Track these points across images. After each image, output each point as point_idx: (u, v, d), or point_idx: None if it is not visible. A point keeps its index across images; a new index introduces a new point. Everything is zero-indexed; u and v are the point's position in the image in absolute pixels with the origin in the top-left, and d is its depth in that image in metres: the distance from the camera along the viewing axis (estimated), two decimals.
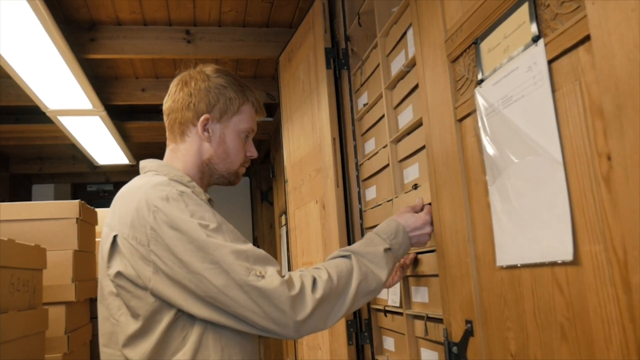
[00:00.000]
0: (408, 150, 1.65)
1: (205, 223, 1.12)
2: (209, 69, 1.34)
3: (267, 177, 5.28)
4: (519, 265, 0.99)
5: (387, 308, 1.86)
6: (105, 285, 1.18)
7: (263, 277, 1.09)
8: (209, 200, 1.30)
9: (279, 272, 1.13)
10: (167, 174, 1.26)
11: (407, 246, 1.37)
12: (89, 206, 1.97)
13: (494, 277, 1.09)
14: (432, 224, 1.39)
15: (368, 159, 2.00)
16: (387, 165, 1.80)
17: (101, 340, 1.21)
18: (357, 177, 2.09)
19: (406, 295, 1.70)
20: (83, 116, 3.36)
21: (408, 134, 1.66)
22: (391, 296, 1.84)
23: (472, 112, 1.16)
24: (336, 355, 2.10)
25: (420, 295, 1.61)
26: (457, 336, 1.24)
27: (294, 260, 2.61)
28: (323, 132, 2.19)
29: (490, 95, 1.06)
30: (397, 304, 1.76)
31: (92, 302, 2.08)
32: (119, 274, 1.14)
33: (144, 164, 1.32)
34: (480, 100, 1.10)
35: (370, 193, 2.00)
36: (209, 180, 1.35)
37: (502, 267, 1.06)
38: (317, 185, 2.26)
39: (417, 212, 1.42)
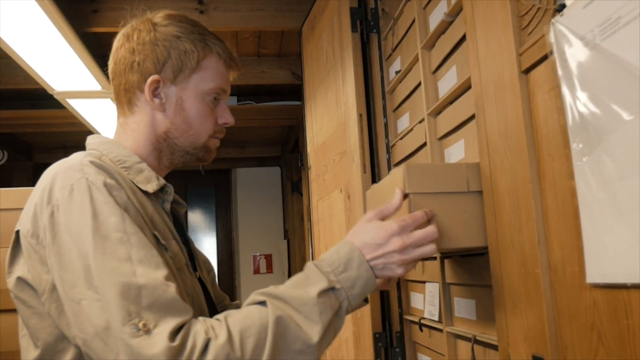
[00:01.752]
0: (450, 123, 1.30)
1: (106, 232, 0.81)
2: (158, 15, 1.03)
3: (298, 166, 4.96)
4: (628, 284, 0.63)
5: (422, 321, 1.51)
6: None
7: (147, 332, 0.74)
8: (162, 189, 1.00)
9: (178, 330, 0.76)
10: (109, 152, 0.97)
11: (367, 281, 0.88)
12: None
13: (581, 299, 0.73)
14: (406, 235, 0.90)
15: (401, 138, 1.64)
16: (425, 144, 1.44)
17: None
18: (388, 160, 1.73)
19: (447, 307, 1.35)
20: (92, 99, 3.10)
21: (450, 102, 1.30)
22: (428, 306, 1.49)
23: (546, 57, 0.79)
24: None
25: (466, 309, 1.25)
26: None
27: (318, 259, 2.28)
28: (348, 109, 1.84)
29: (579, 25, 0.70)
30: (436, 318, 1.41)
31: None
32: (19, 281, 0.85)
33: (89, 140, 1.03)
34: (561, 36, 0.74)
35: None
36: (171, 158, 1.05)
37: (595, 285, 0.70)
38: (342, 172, 1.92)
39: (384, 217, 0.95)
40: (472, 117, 1.16)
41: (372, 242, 0.88)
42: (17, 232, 0.88)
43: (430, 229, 0.90)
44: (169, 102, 1.01)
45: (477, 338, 1.16)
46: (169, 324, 0.75)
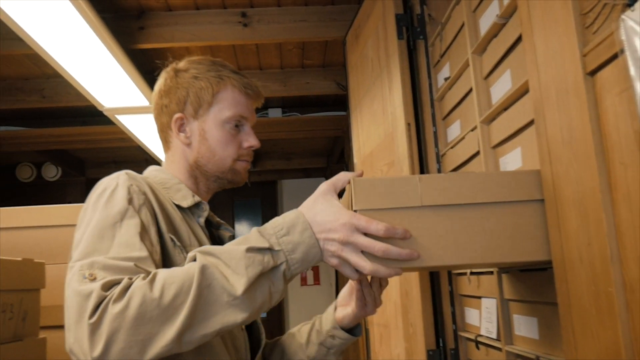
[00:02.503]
0: (505, 131, 1.23)
1: (107, 215, 0.92)
2: (182, 62, 1.17)
3: None
4: None
5: (479, 339, 1.43)
6: None
7: (92, 280, 0.81)
8: (197, 206, 1.11)
9: (117, 283, 0.81)
10: (154, 176, 1.12)
11: (312, 249, 0.86)
12: None
13: None
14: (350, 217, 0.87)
15: (452, 147, 1.58)
16: (477, 153, 1.38)
17: None
18: (439, 170, 1.67)
19: (505, 324, 1.27)
20: (140, 114, 3.15)
21: (505, 109, 1.24)
22: (485, 323, 1.42)
23: (616, 56, 0.73)
24: None
25: (527, 327, 1.18)
26: None
27: None
28: (396, 118, 1.79)
29: None
30: (494, 335, 1.34)
31: None
32: None
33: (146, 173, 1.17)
34: (632, 33, 0.68)
35: None
36: (206, 184, 1.16)
37: None
38: None
39: (338, 189, 0.94)
40: (530, 123, 1.10)
41: (320, 220, 0.88)
42: None
43: (377, 245, 0.86)
44: (193, 135, 1.13)
45: (541, 359, 1.08)
46: (111, 277, 0.82)
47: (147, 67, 3.12)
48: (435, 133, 1.70)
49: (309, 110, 3.99)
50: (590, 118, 0.79)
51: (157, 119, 1.17)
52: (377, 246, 0.86)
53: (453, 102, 1.57)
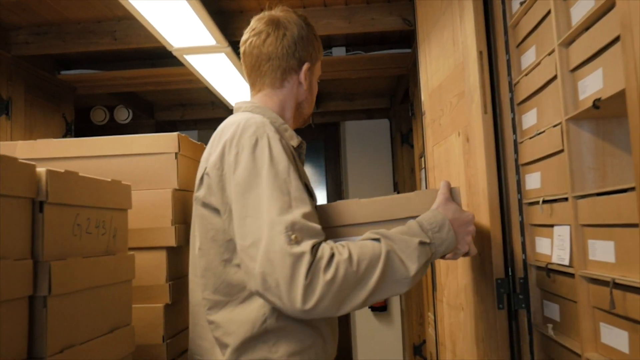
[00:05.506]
0: (586, 52, 1.19)
1: (276, 172, 1.12)
2: (296, 15, 1.37)
3: (407, 117, 4.87)
4: None
5: (550, 266, 1.43)
6: None
7: (297, 242, 1.04)
8: (300, 144, 1.34)
9: (315, 246, 1.07)
10: (262, 114, 1.28)
11: (451, 244, 1.23)
12: (193, 140, 1.75)
13: None
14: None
15: (526, 75, 1.54)
16: (554, 77, 1.34)
17: None
18: (511, 99, 1.64)
19: (579, 250, 1.27)
20: (208, 54, 3.20)
21: (586, 29, 1.19)
22: (557, 250, 1.41)
23: None
24: (482, 320, 1.72)
25: (603, 251, 1.17)
26: None
27: None
28: (467, 46, 1.75)
29: None
30: (566, 262, 1.34)
31: None
32: (201, 202, 1.25)
33: (239, 104, 1.36)
34: None
35: (529, 118, 1.55)
36: (295, 124, 1.42)
37: None
38: (460, 114, 1.84)
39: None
40: (614, 41, 1.06)
41: (459, 218, 1.26)
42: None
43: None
44: (308, 81, 1.38)
45: (617, 281, 1.08)
46: (310, 240, 1.05)
47: (213, 7, 3.14)
48: (508, 61, 1.65)
49: (373, 48, 3.92)
50: None
51: (283, 59, 1.33)
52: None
53: (529, 27, 1.51)
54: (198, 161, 1.84)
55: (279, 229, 1.03)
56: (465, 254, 1.29)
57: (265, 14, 1.38)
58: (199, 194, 1.21)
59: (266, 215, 1.05)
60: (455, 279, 1.99)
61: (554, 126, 1.34)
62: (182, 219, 1.58)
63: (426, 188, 2.37)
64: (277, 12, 1.36)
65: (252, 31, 1.36)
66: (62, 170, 1.00)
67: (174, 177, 1.53)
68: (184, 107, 5.55)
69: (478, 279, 1.75)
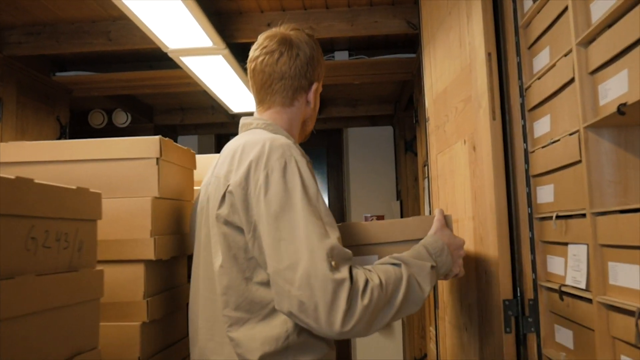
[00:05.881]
0: (608, 52, 1.06)
1: (309, 197, 1.16)
2: (306, 35, 1.40)
3: (411, 124, 4.74)
4: None
5: (564, 288, 1.30)
6: None
7: (336, 268, 1.09)
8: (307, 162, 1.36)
9: (350, 270, 1.13)
10: (275, 132, 1.32)
11: (449, 267, 1.33)
12: (178, 145, 1.62)
13: None
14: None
15: (539, 78, 1.41)
16: (571, 80, 1.21)
17: None
18: (522, 104, 1.51)
19: (598, 272, 1.14)
20: (205, 55, 3.08)
21: (609, 26, 1.07)
22: (571, 271, 1.28)
23: None
24: (487, 344, 1.58)
25: (625, 275, 1.04)
26: None
27: None
28: (474, 48, 1.63)
29: None
30: (582, 285, 1.21)
31: (189, 259, 1.76)
32: (224, 219, 1.25)
33: (249, 120, 1.38)
34: None
35: (542, 126, 1.42)
36: (300, 138, 1.46)
37: None
38: (466, 120, 1.72)
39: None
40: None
41: (453, 242, 1.36)
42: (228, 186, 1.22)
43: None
44: (313, 101, 1.42)
45: None
46: (346, 265, 1.12)
47: (210, 7, 3.04)
48: (519, 64, 1.53)
49: (377, 53, 3.80)
50: None
51: (295, 79, 1.36)
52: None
53: (542, 26, 1.39)
54: (184, 168, 1.72)
55: (320, 255, 1.08)
56: (455, 275, 1.39)
57: (276, 31, 1.39)
58: (221, 211, 1.22)
59: (304, 240, 1.09)
60: (458, 297, 1.85)
61: (571, 134, 1.22)
62: (164, 229, 1.46)
63: (429, 197, 2.25)
64: (288, 30, 1.39)
65: (263, 49, 1.37)
66: (13, 177, 0.88)
67: (154, 184, 1.41)
68: (184, 111, 5.44)
69: (483, 299, 1.62)
